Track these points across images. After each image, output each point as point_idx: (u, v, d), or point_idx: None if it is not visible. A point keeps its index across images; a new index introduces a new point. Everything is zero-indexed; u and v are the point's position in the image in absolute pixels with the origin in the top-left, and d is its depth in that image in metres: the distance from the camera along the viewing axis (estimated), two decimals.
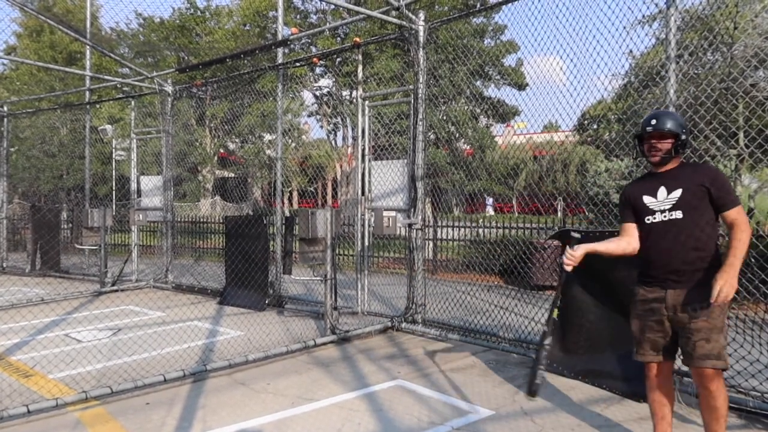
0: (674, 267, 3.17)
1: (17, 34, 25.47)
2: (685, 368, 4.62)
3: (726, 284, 2.95)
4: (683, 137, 3.25)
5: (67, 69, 14.77)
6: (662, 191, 3.25)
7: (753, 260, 4.72)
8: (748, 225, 3.10)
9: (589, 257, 5.08)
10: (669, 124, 3.21)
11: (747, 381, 4.43)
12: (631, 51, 6.59)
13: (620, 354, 4.84)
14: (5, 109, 13.82)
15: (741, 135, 8.50)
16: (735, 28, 5.61)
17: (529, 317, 6.61)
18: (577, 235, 3.57)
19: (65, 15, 20.68)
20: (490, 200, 21.61)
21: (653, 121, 3.23)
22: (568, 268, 3.44)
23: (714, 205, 3.15)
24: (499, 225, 11.36)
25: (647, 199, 3.30)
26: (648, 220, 3.29)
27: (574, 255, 3.42)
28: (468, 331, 6.49)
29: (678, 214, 3.17)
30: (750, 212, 9.06)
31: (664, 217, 3.22)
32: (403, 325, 6.93)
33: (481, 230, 11.75)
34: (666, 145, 3.23)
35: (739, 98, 5.85)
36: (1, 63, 24.62)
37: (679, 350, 3.27)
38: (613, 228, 5.09)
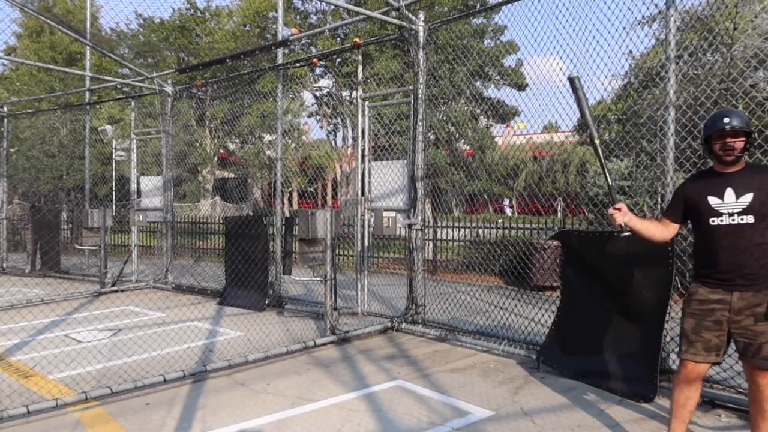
0: (746, 272, 3.16)
1: (17, 34, 25.49)
2: None
3: None
4: (753, 136, 3.26)
5: (67, 69, 14.78)
6: (729, 193, 3.20)
7: None
8: None
9: (589, 257, 5.10)
10: (741, 123, 3.17)
11: (747, 382, 4.42)
12: (630, 51, 6.60)
13: (621, 354, 4.84)
14: (5, 109, 13.83)
15: None
16: (735, 28, 5.62)
17: (529, 318, 6.61)
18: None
19: (65, 15, 20.69)
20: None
21: (726, 119, 3.18)
22: (619, 220, 3.39)
23: None
24: (498, 225, 11.36)
25: (713, 200, 3.25)
26: (713, 221, 3.24)
27: (622, 211, 3.40)
28: (468, 331, 6.49)
29: (749, 219, 3.15)
30: None
31: (733, 220, 3.18)
32: (403, 325, 6.93)
33: (480, 231, 11.74)
34: (740, 143, 3.19)
35: (738, 99, 5.84)
36: (1, 63, 24.63)
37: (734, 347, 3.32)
38: (613, 229, 5.08)
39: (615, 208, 3.41)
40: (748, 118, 3.27)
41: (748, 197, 3.16)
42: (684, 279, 5.61)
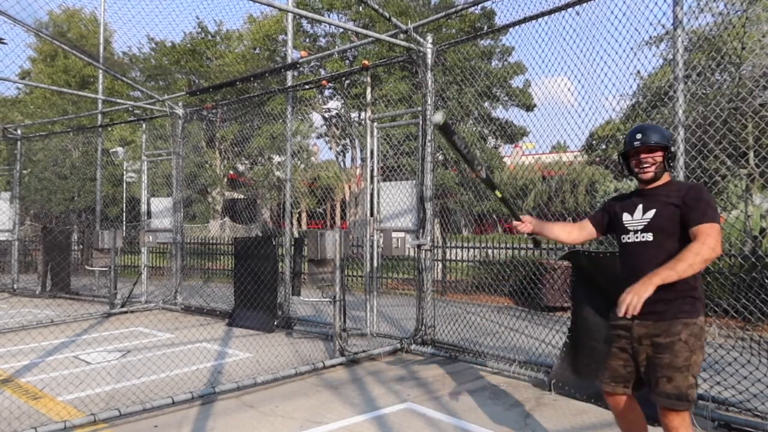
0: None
1: (32, 58, 25.98)
2: (699, 391, 4.56)
3: (633, 294, 2.66)
4: (671, 150, 3.00)
5: (80, 93, 14.98)
6: (639, 210, 2.99)
7: None
8: (714, 245, 2.71)
9: (600, 277, 5.05)
10: (657, 137, 2.95)
11: (764, 404, 4.35)
12: (639, 71, 6.62)
13: None
14: (19, 132, 14.03)
15: (751, 155, 8.48)
16: (743, 48, 5.63)
17: (540, 339, 6.55)
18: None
19: (79, 40, 21.09)
20: None
21: (639, 135, 2.99)
22: (522, 229, 3.26)
23: (684, 222, 2.84)
24: (508, 245, 11.31)
25: (626, 217, 3.05)
26: (623, 239, 3.04)
27: (525, 222, 3.24)
28: (478, 353, 6.43)
29: (648, 237, 2.91)
30: (762, 232, 8.98)
31: (637, 238, 2.95)
32: (413, 346, 6.88)
33: (490, 251, 11.69)
34: (657, 158, 2.97)
35: (748, 118, 5.83)
36: (15, 87, 25.06)
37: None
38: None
39: (518, 221, 3.23)
40: (668, 133, 3.03)
41: (650, 213, 2.92)
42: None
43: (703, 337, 2.81)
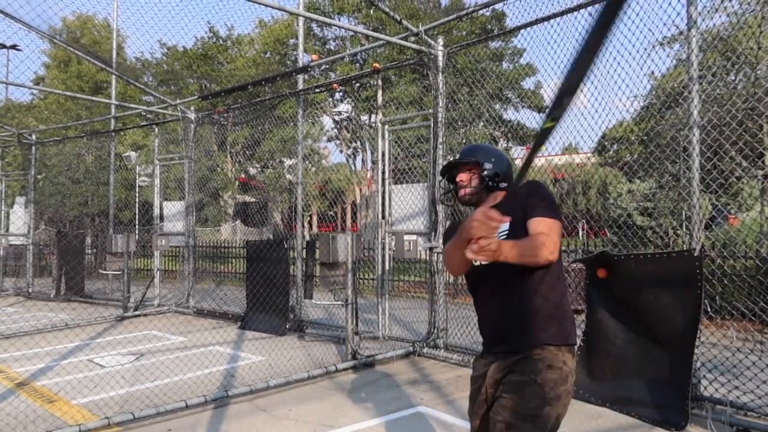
0: (508, 327, 2.35)
1: (46, 64, 26.28)
2: (717, 396, 4.50)
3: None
4: (485, 165, 2.44)
5: (93, 98, 15.16)
6: None
7: None
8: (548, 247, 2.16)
9: (613, 282, 5.00)
10: (466, 155, 2.52)
11: None
12: (652, 72, 6.57)
13: (650, 380, 4.72)
14: (34, 137, 14.17)
15: (767, 155, 8.37)
16: (759, 48, 5.56)
17: None
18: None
19: (92, 46, 21.27)
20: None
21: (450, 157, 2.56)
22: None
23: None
24: None
25: None
26: (475, 262, 2.34)
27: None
28: None
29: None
30: None
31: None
32: (425, 350, 6.85)
33: None
34: (469, 177, 2.48)
35: (764, 119, 5.76)
36: (30, 93, 25.35)
37: None
38: (638, 251, 5.00)
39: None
40: (487, 148, 2.55)
41: (505, 227, 2.21)
42: (713, 302, 5.48)
43: (571, 382, 2.19)
